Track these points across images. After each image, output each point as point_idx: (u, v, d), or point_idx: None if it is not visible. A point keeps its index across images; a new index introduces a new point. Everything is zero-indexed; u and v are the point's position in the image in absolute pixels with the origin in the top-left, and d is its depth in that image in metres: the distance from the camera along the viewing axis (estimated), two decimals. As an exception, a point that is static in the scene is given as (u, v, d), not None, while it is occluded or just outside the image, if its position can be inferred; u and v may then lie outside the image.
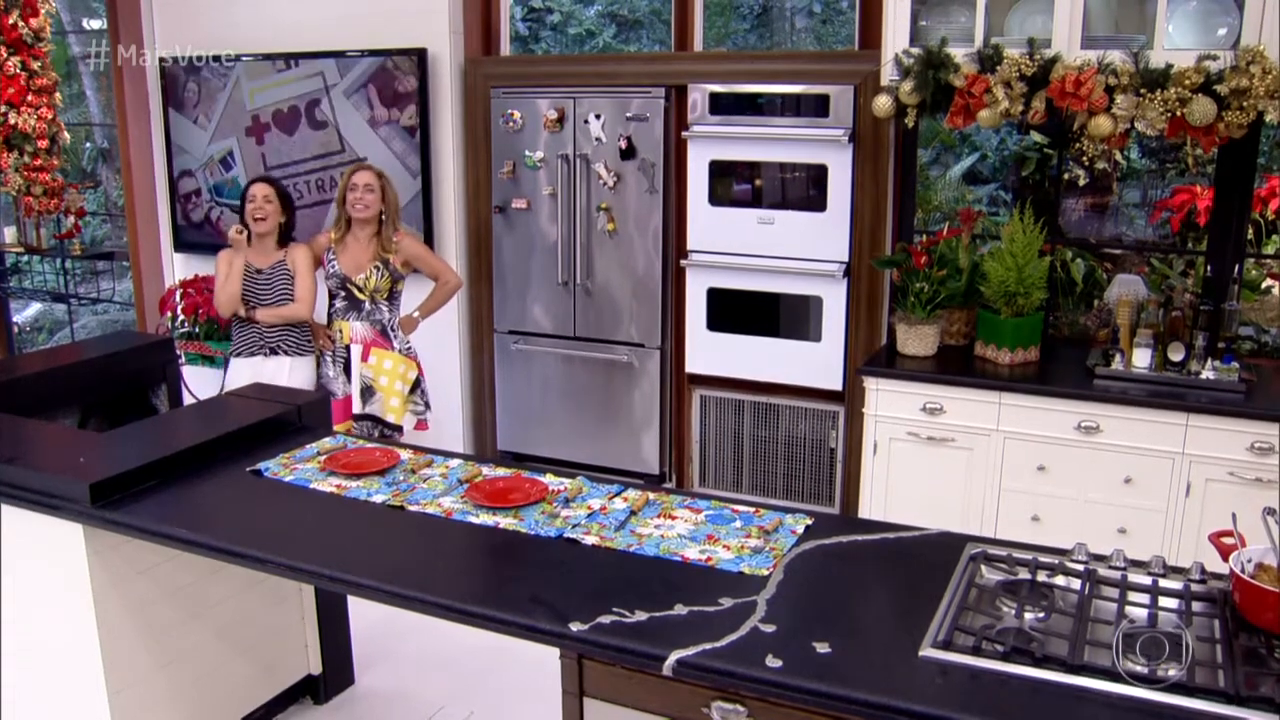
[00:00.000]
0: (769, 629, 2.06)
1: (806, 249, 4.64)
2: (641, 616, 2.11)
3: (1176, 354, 3.81)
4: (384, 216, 4.49)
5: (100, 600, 2.84)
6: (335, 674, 3.63)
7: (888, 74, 4.07)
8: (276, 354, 4.50)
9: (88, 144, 9.72)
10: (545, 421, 5.34)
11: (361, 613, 3.76)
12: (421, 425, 4.72)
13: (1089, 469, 3.77)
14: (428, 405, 4.74)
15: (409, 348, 4.65)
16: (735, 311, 4.85)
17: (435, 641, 3.92)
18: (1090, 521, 3.75)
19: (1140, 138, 4.66)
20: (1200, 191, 4.84)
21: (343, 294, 4.55)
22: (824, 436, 4.82)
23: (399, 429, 4.57)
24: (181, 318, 5.29)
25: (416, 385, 4.66)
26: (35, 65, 5.14)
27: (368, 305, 4.53)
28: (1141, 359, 3.84)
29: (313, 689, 3.59)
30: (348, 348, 4.54)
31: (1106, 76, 3.58)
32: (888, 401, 4.05)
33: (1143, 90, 3.54)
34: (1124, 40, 3.72)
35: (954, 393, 3.95)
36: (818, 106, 4.53)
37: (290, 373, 4.49)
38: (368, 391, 4.53)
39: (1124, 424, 3.70)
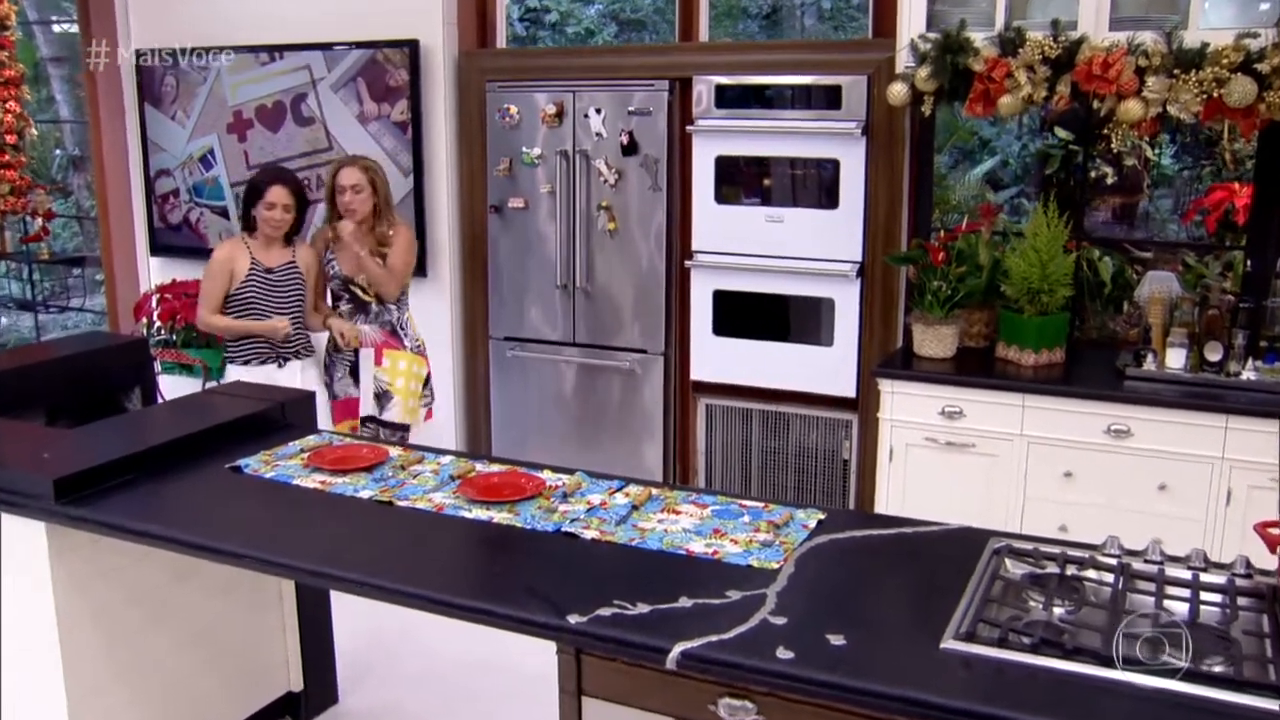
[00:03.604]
0: (779, 621, 2.04)
1: (818, 248, 4.63)
2: (643, 609, 2.09)
3: (1214, 354, 3.79)
4: (378, 210, 4.44)
5: (63, 605, 2.81)
6: (317, 691, 3.59)
7: (903, 61, 4.07)
8: (289, 360, 4.41)
9: (57, 151, 9.72)
10: (543, 432, 5.32)
11: (347, 625, 3.73)
12: (429, 415, 4.71)
13: (1120, 475, 3.74)
14: (432, 394, 4.75)
15: (419, 344, 4.61)
16: (743, 315, 4.83)
17: (424, 657, 3.89)
18: (1122, 531, 3.60)
19: (1173, 130, 4.67)
20: (1238, 189, 4.80)
21: (347, 296, 4.48)
22: (837, 447, 4.79)
23: (407, 428, 4.54)
24: (158, 324, 5.28)
25: (427, 381, 4.64)
26: (2, 55, 5.14)
27: (375, 306, 4.47)
28: (1175, 359, 3.82)
29: (293, 707, 3.55)
30: (356, 351, 4.47)
31: (1137, 58, 3.58)
32: (904, 405, 4.03)
33: (1176, 71, 3.54)
34: (1155, 21, 3.72)
35: (974, 395, 3.93)
36: (829, 98, 4.53)
37: (303, 376, 4.42)
38: (384, 396, 4.47)
39: (1157, 427, 3.68)
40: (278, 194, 4.33)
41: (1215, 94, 3.51)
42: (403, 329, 4.54)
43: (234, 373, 4.41)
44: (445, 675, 3.81)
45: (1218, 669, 1.86)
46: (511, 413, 5.39)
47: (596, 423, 5.19)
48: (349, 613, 4.21)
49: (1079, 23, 3.76)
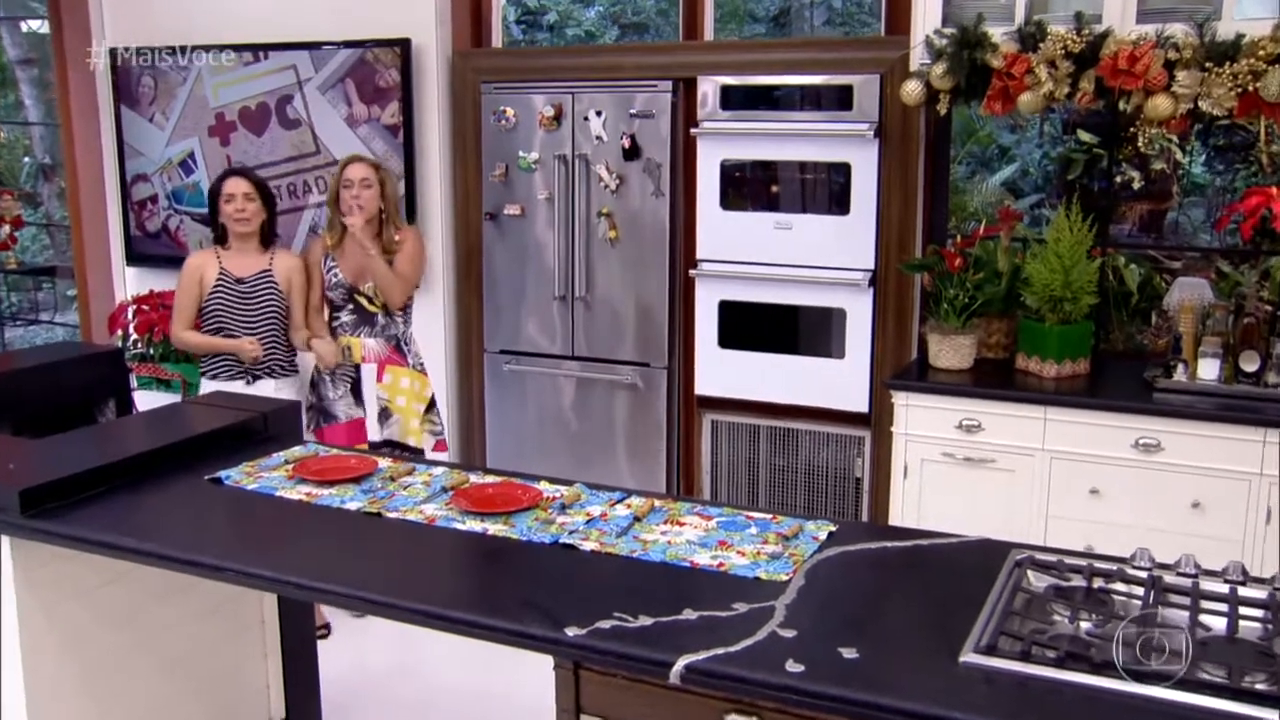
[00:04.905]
0: (788, 634, 2.03)
1: (828, 256, 4.64)
2: (646, 621, 2.08)
3: (1250, 364, 3.78)
4: (384, 215, 4.39)
5: (27, 627, 2.78)
6: (301, 719, 3.57)
7: (917, 58, 4.10)
8: (260, 379, 4.36)
9: (26, 159, 9.72)
10: (540, 449, 5.31)
11: (334, 649, 3.72)
12: (440, 445, 4.64)
13: (1150, 492, 3.73)
14: (441, 421, 4.71)
15: (421, 362, 4.58)
16: (750, 327, 4.84)
17: (413, 683, 3.89)
18: (1153, 551, 3.70)
19: (1205, 134, 4.67)
20: (1276, 194, 4.80)
21: (350, 306, 4.43)
22: (848, 464, 4.79)
23: (420, 452, 4.48)
24: (134, 337, 5.28)
25: (432, 403, 4.60)
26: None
27: (381, 319, 4.44)
28: (1208, 370, 3.82)
29: (274, 737, 3.54)
30: (357, 367, 4.43)
31: (1166, 51, 3.59)
32: (919, 419, 4.03)
33: (1208, 65, 3.55)
34: (1186, 12, 3.72)
35: (994, 408, 3.92)
36: (840, 99, 4.54)
37: (276, 395, 4.27)
38: (384, 414, 4.44)
39: (1190, 441, 3.67)
40: (234, 184, 4.33)
41: (1251, 88, 3.51)
42: (406, 344, 4.52)
43: (206, 388, 4.40)
44: (435, 702, 3.80)
45: (1260, 686, 1.84)
46: (508, 429, 5.38)
47: (596, 440, 5.18)
48: (334, 636, 4.22)
49: (1104, 16, 3.78)
